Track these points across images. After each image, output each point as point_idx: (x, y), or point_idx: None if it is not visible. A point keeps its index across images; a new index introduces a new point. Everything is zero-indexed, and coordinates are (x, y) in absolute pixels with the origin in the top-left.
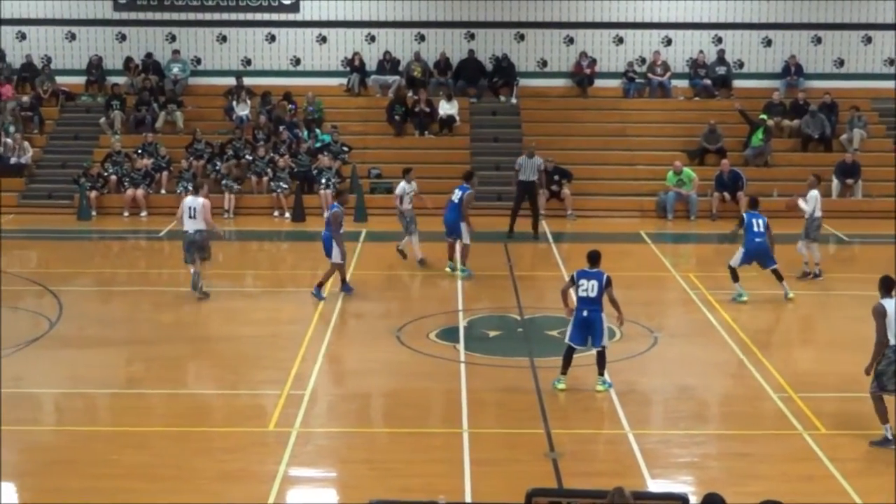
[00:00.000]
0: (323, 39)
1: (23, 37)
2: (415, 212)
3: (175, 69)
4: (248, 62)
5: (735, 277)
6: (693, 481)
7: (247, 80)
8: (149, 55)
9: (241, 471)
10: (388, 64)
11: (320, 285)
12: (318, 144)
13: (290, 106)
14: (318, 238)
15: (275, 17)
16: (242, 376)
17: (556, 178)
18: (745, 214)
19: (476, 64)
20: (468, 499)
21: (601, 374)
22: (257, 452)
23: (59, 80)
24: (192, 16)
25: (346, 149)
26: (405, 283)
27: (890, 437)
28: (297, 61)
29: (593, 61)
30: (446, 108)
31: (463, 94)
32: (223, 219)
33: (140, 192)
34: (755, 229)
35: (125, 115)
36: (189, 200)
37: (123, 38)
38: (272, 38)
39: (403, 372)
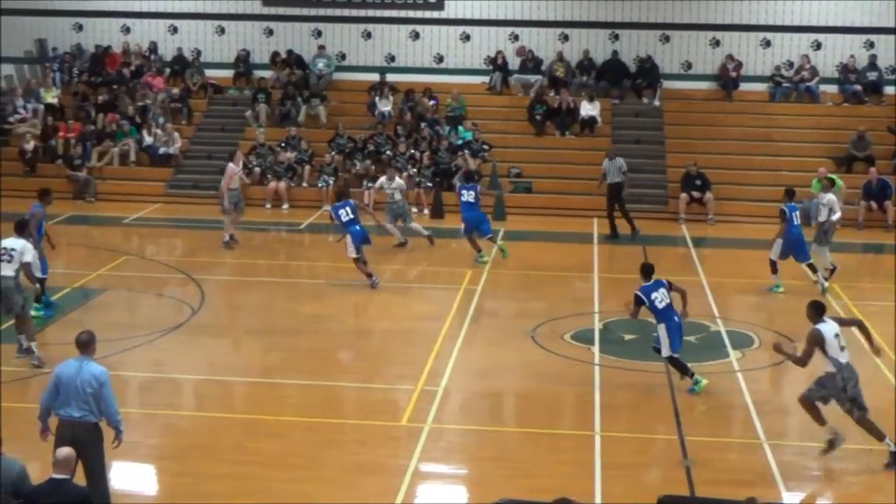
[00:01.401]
0: (466, 37)
1: (175, 30)
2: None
3: (320, 64)
4: (392, 59)
5: (774, 269)
6: (830, 496)
7: (390, 77)
8: (293, 51)
9: (373, 464)
10: (531, 63)
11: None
12: (458, 142)
13: (431, 103)
14: (457, 235)
15: (419, 14)
16: (377, 370)
17: (698, 182)
18: (784, 207)
19: (619, 65)
20: (598, 502)
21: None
22: (389, 446)
23: (208, 73)
24: (338, 12)
25: (486, 147)
26: (541, 283)
27: (833, 437)
28: (440, 59)
29: (739, 64)
30: (588, 108)
31: (605, 95)
32: (364, 213)
33: (282, 184)
34: (795, 222)
35: (270, 109)
36: None
37: (271, 32)
38: (416, 36)
39: (537, 372)
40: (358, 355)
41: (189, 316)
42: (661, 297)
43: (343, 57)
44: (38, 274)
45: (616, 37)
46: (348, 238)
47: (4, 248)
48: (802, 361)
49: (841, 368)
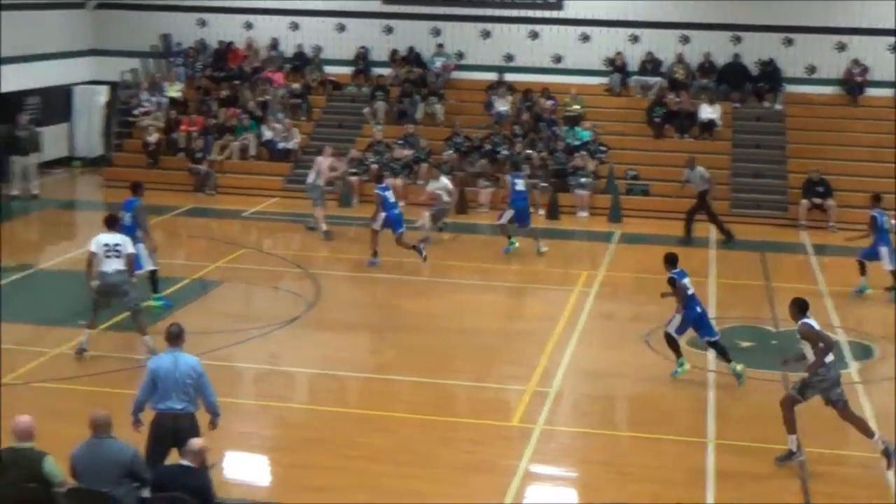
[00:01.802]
0: (585, 38)
1: (296, 27)
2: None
3: (438, 62)
4: (510, 58)
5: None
6: None
7: (508, 76)
8: (412, 47)
9: (483, 462)
10: (650, 65)
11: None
12: (575, 143)
13: (549, 103)
14: (573, 237)
15: (538, 14)
16: (489, 369)
17: (820, 189)
18: (874, 213)
19: (741, 68)
20: None
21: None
22: (500, 446)
23: (328, 69)
24: (457, 10)
25: (603, 148)
26: (657, 287)
27: (794, 449)
28: (559, 59)
29: (865, 69)
30: (708, 111)
31: (726, 99)
32: (479, 212)
33: (399, 181)
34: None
35: (388, 106)
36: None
37: (390, 30)
38: (535, 35)
39: (650, 376)
40: (470, 354)
41: (305, 310)
42: (689, 286)
43: (461, 55)
44: (151, 266)
45: (738, 39)
46: (381, 216)
47: (108, 244)
48: (821, 360)
49: (824, 365)
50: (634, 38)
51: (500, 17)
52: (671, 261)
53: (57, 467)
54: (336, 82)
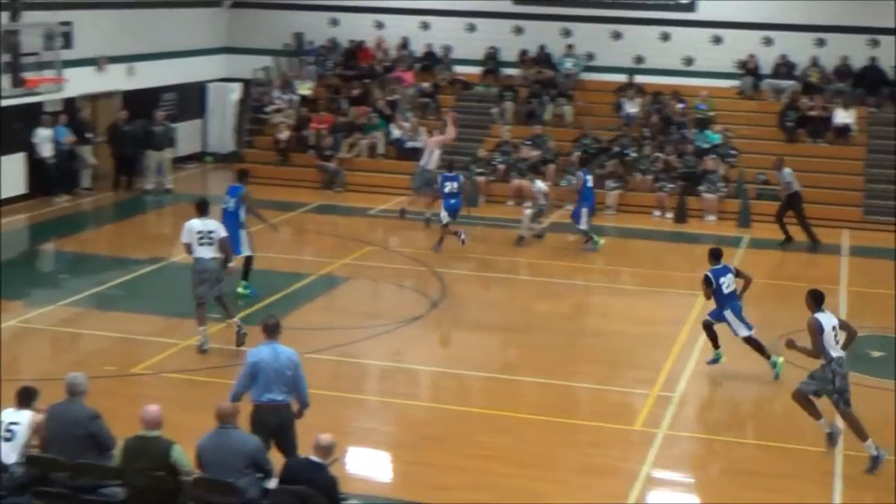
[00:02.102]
0: (717, 40)
1: (426, 27)
2: None
3: (568, 63)
4: (640, 60)
5: None
6: None
7: (637, 78)
8: (544, 47)
9: (605, 466)
10: (784, 68)
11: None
12: (705, 146)
13: (679, 105)
14: (700, 241)
15: (670, 15)
16: (613, 372)
17: None
18: None
19: (877, 72)
20: None
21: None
22: (622, 450)
23: (457, 69)
24: (588, 11)
25: (733, 152)
26: (787, 293)
27: (832, 430)
28: (690, 61)
29: None
30: (843, 116)
31: (861, 103)
32: (605, 215)
33: (526, 182)
34: None
35: (516, 106)
36: None
37: (520, 31)
38: (666, 37)
39: (776, 383)
40: (595, 356)
41: (429, 308)
42: (728, 283)
43: (591, 57)
44: (248, 252)
45: (875, 42)
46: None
47: (201, 231)
48: (816, 353)
49: (831, 361)
50: (768, 41)
51: (631, 19)
52: (715, 255)
53: (184, 456)
54: (465, 82)
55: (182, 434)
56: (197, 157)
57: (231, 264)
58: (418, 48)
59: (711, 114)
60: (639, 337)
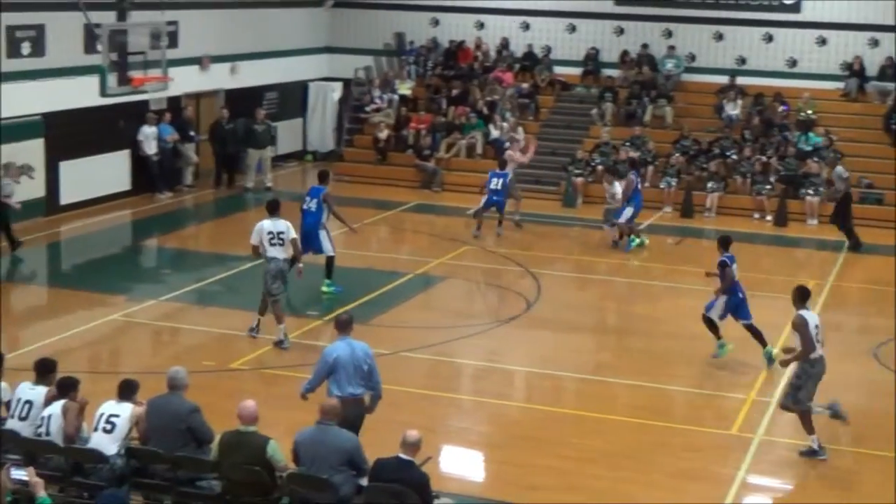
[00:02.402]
0: (822, 41)
1: (526, 27)
2: None
3: (669, 64)
4: (743, 61)
5: None
6: None
7: (740, 80)
8: (645, 47)
9: (700, 470)
10: (891, 70)
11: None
12: (807, 148)
13: (781, 107)
14: (801, 245)
15: (774, 16)
16: (709, 376)
17: None
18: None
19: None
20: None
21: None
22: (717, 454)
23: (557, 69)
24: (690, 12)
25: (836, 155)
26: (889, 299)
27: (817, 447)
28: (794, 63)
29: None
30: None
31: None
32: (704, 217)
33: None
34: None
35: (616, 108)
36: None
37: (621, 31)
38: (769, 38)
39: (877, 391)
40: (691, 359)
41: (525, 309)
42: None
43: (693, 58)
44: (330, 252)
45: None
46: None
47: (271, 232)
48: (807, 350)
49: (811, 359)
50: (874, 42)
51: (734, 20)
52: (724, 243)
53: (280, 452)
54: (565, 83)
55: (278, 430)
56: (297, 156)
57: (300, 265)
58: (518, 48)
59: (814, 116)
60: (736, 340)
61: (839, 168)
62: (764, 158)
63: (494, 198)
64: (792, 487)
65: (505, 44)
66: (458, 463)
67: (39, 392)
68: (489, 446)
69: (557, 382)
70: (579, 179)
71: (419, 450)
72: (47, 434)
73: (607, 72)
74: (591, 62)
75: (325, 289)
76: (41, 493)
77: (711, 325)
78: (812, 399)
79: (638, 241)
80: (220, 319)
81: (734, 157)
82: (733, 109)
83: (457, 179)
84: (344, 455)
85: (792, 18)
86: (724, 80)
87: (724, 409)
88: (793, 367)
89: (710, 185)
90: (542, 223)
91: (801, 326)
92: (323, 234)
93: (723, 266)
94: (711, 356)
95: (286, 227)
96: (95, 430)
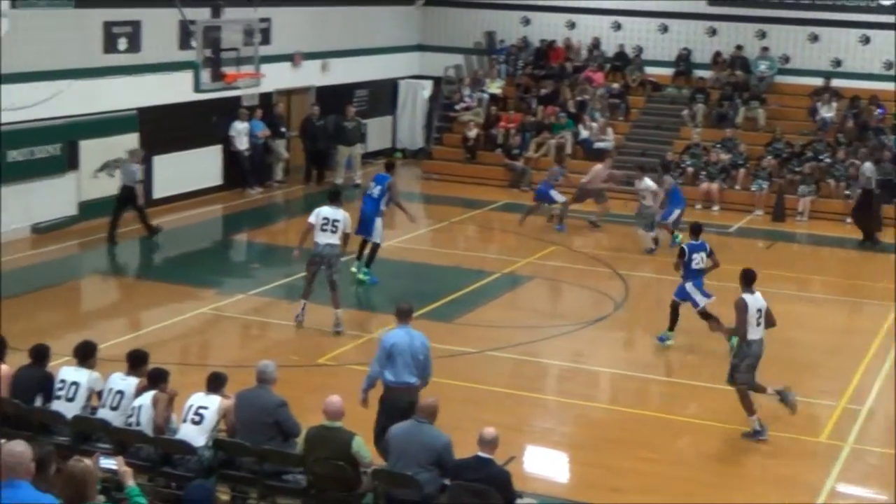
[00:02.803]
0: None
1: (618, 27)
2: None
3: (762, 66)
4: (838, 63)
5: None
6: None
7: (835, 82)
8: (739, 48)
9: (788, 478)
10: None
11: None
12: None
13: (877, 111)
14: (887, 249)
15: (871, 18)
16: (798, 382)
17: None
18: None
19: None
20: None
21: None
22: (806, 462)
23: (648, 70)
24: (784, 13)
25: None
26: None
27: (759, 427)
28: (890, 65)
29: None
30: None
31: None
32: (796, 221)
33: (715, 186)
34: None
35: (707, 109)
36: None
37: (714, 32)
38: (866, 40)
39: None
40: (780, 365)
41: (611, 310)
42: (699, 259)
43: (787, 59)
44: (378, 240)
45: None
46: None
47: (327, 218)
48: (739, 330)
49: (747, 341)
50: None
51: (830, 21)
52: (694, 231)
53: (365, 448)
54: (656, 83)
55: (363, 426)
56: (386, 153)
57: (295, 251)
58: (609, 48)
59: None
60: (827, 346)
61: (867, 164)
62: (858, 162)
63: (548, 192)
64: (883, 498)
65: (596, 43)
66: (542, 463)
67: (131, 383)
68: (573, 447)
69: (643, 385)
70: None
71: (497, 447)
72: (137, 424)
73: (699, 73)
74: (683, 63)
75: (361, 276)
76: (130, 483)
77: (675, 312)
78: (750, 380)
79: (679, 238)
80: (308, 314)
81: (827, 160)
82: (827, 112)
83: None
84: (433, 454)
85: (890, 20)
86: (818, 82)
87: (813, 416)
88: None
89: (801, 188)
90: (631, 224)
91: (739, 309)
92: (378, 222)
93: (680, 253)
94: (657, 339)
95: (343, 217)
96: (184, 421)
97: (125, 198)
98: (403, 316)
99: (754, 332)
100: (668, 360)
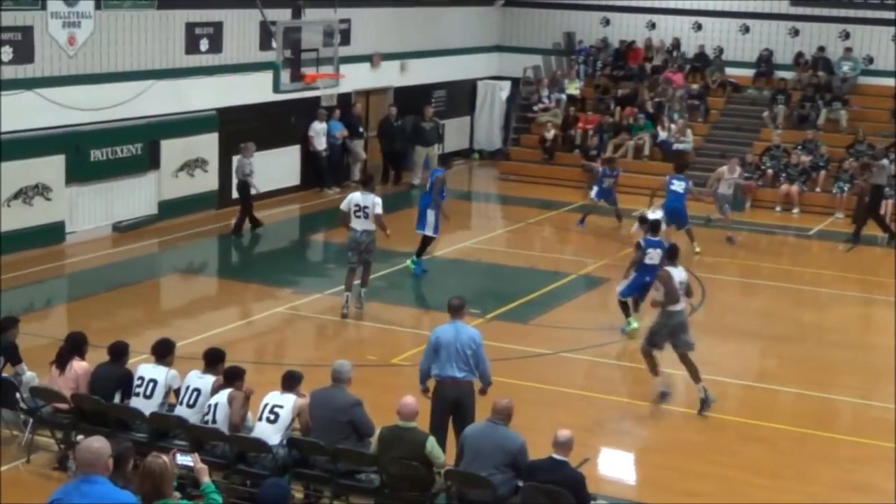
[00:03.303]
0: None
1: (699, 27)
2: None
3: (845, 67)
4: None
5: None
6: None
7: None
8: (821, 49)
9: (864, 484)
10: None
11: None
12: None
13: None
14: None
15: None
16: (877, 387)
17: None
18: None
19: None
20: None
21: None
22: (883, 468)
23: (728, 71)
24: (868, 13)
25: None
26: None
27: (665, 390)
28: None
29: None
30: None
31: None
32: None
33: (795, 188)
34: None
35: (788, 110)
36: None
37: (796, 32)
38: None
39: None
40: (858, 369)
41: (688, 313)
42: (653, 256)
43: (871, 60)
44: (430, 232)
45: None
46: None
47: (358, 205)
48: (670, 297)
49: (669, 312)
50: None
51: None
52: (653, 228)
53: (438, 448)
54: (736, 84)
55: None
56: (464, 154)
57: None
58: (690, 49)
59: None
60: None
61: (883, 161)
62: None
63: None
64: None
65: (676, 44)
66: (617, 466)
67: (207, 381)
68: (647, 450)
69: (720, 388)
70: (749, 182)
71: (571, 449)
72: (213, 422)
73: (780, 74)
74: (765, 63)
75: (409, 263)
76: (205, 480)
77: (623, 306)
78: (657, 345)
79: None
80: (384, 314)
81: None
82: None
83: (623, 181)
84: (508, 456)
85: None
86: None
87: (891, 422)
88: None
89: (886, 190)
90: (709, 227)
91: (666, 280)
92: (430, 214)
93: (637, 247)
94: (620, 329)
95: (372, 202)
96: (259, 419)
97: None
98: (453, 311)
99: (678, 304)
100: (745, 365)
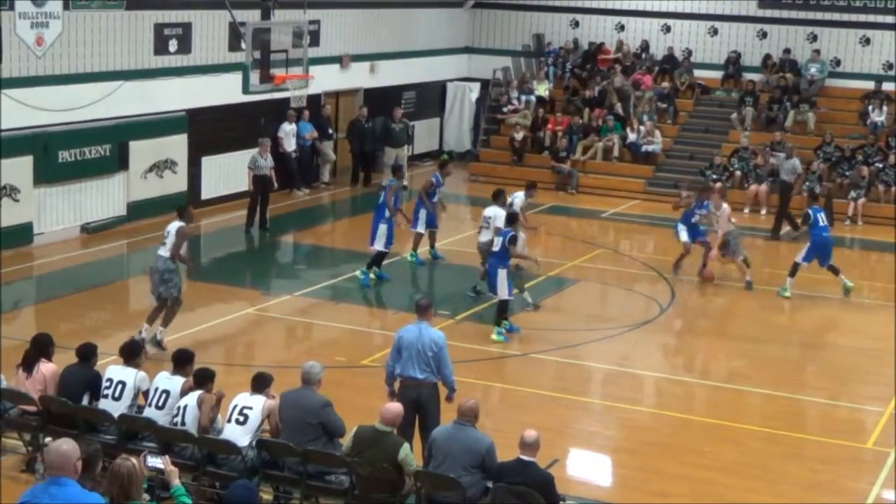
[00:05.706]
0: None
1: (667, 30)
2: None
3: (812, 69)
4: (890, 66)
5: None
6: None
7: (886, 86)
8: (787, 51)
9: (831, 484)
10: None
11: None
12: None
13: None
14: None
15: None
16: (845, 388)
17: None
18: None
19: None
20: None
21: None
22: (851, 468)
23: (697, 73)
24: (835, 16)
25: None
26: None
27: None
28: None
29: None
30: None
31: None
32: (844, 226)
33: (763, 188)
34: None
35: (757, 112)
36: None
37: (764, 35)
38: None
39: None
40: (825, 370)
41: (657, 314)
42: (498, 243)
43: (837, 63)
44: (380, 247)
45: None
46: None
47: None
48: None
49: None
50: None
51: (882, 24)
52: (509, 220)
53: (411, 455)
54: (705, 86)
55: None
56: (434, 155)
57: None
58: (658, 51)
59: None
60: (874, 352)
61: (794, 160)
62: None
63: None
64: None
65: (645, 46)
66: (585, 467)
67: (176, 382)
68: (617, 451)
69: (689, 389)
70: (717, 184)
71: (538, 449)
72: (182, 424)
73: (749, 76)
74: (733, 66)
75: (357, 274)
76: (175, 482)
77: (503, 307)
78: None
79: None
80: (353, 316)
81: (878, 164)
82: (879, 116)
83: (592, 182)
84: (476, 457)
85: None
86: (869, 85)
87: (859, 422)
88: None
89: (852, 192)
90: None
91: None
92: (382, 227)
93: (512, 241)
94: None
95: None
96: (229, 421)
97: (262, 186)
98: (420, 311)
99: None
100: (714, 366)
